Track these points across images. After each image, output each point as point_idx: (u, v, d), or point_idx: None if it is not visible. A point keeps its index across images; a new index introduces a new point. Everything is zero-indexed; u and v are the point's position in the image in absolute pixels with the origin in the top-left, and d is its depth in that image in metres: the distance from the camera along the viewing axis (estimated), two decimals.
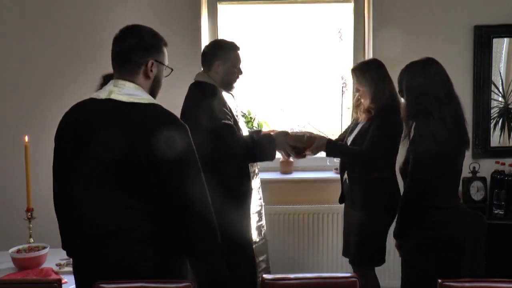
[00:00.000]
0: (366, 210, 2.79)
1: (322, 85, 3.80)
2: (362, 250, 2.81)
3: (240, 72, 2.83)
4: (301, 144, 2.85)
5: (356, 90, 2.92)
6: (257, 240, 2.89)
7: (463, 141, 2.45)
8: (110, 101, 1.78)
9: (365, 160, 2.79)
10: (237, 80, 2.84)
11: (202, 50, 2.89)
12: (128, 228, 1.76)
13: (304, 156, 2.95)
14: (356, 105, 2.98)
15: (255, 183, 2.88)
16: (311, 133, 2.97)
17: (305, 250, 3.62)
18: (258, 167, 2.95)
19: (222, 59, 2.75)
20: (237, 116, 2.83)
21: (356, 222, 2.84)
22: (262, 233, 2.95)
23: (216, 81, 2.77)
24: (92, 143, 1.75)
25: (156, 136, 1.71)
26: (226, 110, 2.68)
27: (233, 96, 2.89)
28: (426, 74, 2.40)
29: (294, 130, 3.00)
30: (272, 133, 2.98)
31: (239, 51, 2.82)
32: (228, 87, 2.82)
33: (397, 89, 2.62)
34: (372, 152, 2.75)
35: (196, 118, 2.56)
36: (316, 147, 2.85)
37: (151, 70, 1.86)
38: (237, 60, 2.81)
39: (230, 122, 2.65)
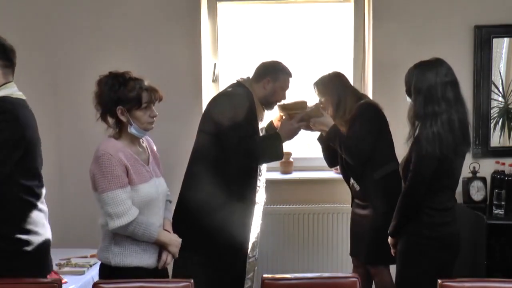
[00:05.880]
0: (378, 209, 2.80)
1: None
2: (377, 248, 2.81)
3: (284, 97, 2.90)
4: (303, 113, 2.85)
5: (319, 102, 2.97)
6: (250, 255, 2.89)
7: (466, 145, 2.45)
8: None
9: (355, 156, 2.80)
10: (277, 103, 2.91)
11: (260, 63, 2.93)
12: None
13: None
14: None
15: (258, 198, 2.91)
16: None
17: (305, 250, 3.62)
18: (263, 182, 2.98)
19: (273, 77, 2.83)
20: (261, 130, 2.91)
21: (367, 221, 2.85)
22: (255, 251, 2.95)
23: (258, 94, 2.83)
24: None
25: None
26: (255, 116, 2.75)
27: (263, 110, 2.94)
28: (437, 75, 2.38)
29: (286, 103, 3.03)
30: (276, 124, 3.01)
31: (290, 78, 2.90)
32: (268, 106, 2.90)
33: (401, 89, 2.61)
34: (360, 149, 2.77)
35: (228, 117, 2.64)
36: (321, 122, 2.87)
37: None
38: (286, 84, 2.89)
39: (252, 128, 2.70)
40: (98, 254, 2.28)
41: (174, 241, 2.31)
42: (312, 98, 3.02)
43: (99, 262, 2.26)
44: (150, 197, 2.24)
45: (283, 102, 2.91)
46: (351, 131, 2.81)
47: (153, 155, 2.39)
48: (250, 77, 2.89)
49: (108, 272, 2.22)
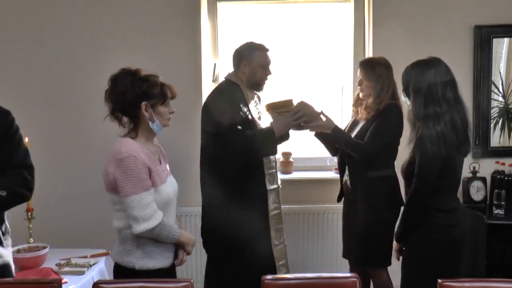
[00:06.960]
0: (369, 210, 2.78)
1: (321, 85, 3.80)
2: (369, 250, 2.80)
3: (268, 72, 2.86)
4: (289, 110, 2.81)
5: (359, 83, 2.91)
6: (277, 243, 2.88)
7: (468, 144, 2.44)
8: None
9: (364, 153, 2.76)
10: (266, 81, 2.87)
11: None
12: None
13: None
14: (356, 101, 2.98)
15: (273, 185, 2.88)
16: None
17: (305, 250, 3.62)
18: (276, 169, 2.94)
19: (248, 59, 2.80)
20: (259, 118, 2.88)
21: (359, 222, 2.83)
22: (282, 237, 2.93)
23: (243, 81, 2.81)
24: None
25: None
26: (239, 109, 2.70)
27: (258, 98, 2.93)
28: (436, 74, 2.35)
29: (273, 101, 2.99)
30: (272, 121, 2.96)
31: (267, 52, 2.85)
32: (256, 87, 2.87)
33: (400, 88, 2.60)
34: (372, 146, 2.74)
35: (210, 115, 2.66)
36: (321, 125, 2.84)
37: None
38: (263, 60, 2.83)
39: (234, 122, 2.64)
40: (116, 258, 2.23)
41: (191, 240, 2.32)
42: (299, 96, 2.98)
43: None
44: (169, 198, 2.22)
45: (269, 101, 2.88)
46: (370, 125, 2.78)
47: (161, 153, 2.36)
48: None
49: (132, 276, 2.16)
